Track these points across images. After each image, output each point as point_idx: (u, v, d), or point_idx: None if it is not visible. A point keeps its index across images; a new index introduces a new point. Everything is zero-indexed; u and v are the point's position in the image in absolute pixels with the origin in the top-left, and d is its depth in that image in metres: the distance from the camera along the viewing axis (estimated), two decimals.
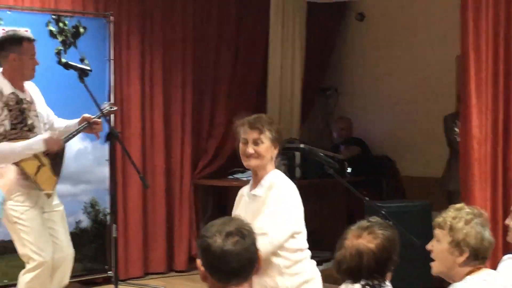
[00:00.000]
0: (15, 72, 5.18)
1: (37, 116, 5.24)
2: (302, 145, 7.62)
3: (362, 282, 3.00)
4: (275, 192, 4.05)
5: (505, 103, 5.60)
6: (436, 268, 3.37)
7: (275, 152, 4.09)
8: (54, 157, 5.24)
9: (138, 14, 7.37)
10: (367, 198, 5.22)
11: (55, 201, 5.37)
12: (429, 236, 6.64)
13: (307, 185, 7.60)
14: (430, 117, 7.79)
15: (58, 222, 5.33)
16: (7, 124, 5.06)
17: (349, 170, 7.87)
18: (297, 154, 7.72)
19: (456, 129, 6.68)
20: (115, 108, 5.62)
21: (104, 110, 5.45)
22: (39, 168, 5.17)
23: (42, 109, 5.35)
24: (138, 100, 7.38)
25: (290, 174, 7.53)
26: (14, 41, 5.18)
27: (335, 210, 8.04)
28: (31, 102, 5.24)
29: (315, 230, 7.98)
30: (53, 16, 6.74)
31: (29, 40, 5.23)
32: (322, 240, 7.94)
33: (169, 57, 7.62)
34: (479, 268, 3.24)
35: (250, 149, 4.01)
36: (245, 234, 2.64)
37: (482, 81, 5.46)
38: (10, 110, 5.09)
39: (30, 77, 5.27)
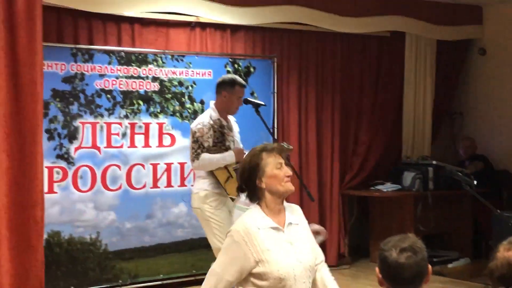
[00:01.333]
0: (223, 106, 5.59)
1: (233, 141, 5.65)
2: (435, 162, 7.77)
3: None
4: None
5: None
6: None
7: None
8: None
9: (296, 55, 7.67)
10: (498, 211, 5.19)
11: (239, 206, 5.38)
12: None
13: (438, 195, 7.76)
14: None
15: None
16: (210, 142, 5.47)
17: (474, 182, 7.50)
18: (430, 169, 7.75)
19: None
20: (291, 147, 5.47)
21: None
22: (228, 178, 5.51)
23: (237, 137, 5.76)
24: (296, 124, 7.64)
25: (424, 186, 7.73)
26: (230, 83, 5.61)
27: (462, 217, 8.03)
28: (230, 129, 5.65)
29: (444, 233, 8.09)
30: (230, 59, 7.14)
31: (241, 85, 5.64)
32: (450, 242, 8.08)
33: (321, 89, 7.87)
34: None
35: (289, 170, 3.44)
36: (417, 250, 2.65)
37: None
38: (214, 131, 5.51)
39: (233, 113, 5.68)
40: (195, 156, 5.50)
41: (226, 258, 3.37)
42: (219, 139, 5.57)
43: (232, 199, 5.51)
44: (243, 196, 3.82)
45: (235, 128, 5.80)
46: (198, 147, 5.51)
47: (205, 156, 5.47)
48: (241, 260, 3.31)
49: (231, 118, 5.78)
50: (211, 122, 5.55)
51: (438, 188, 7.76)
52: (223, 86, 5.63)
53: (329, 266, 8.02)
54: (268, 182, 3.40)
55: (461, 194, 7.57)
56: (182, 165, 6.88)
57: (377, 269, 2.71)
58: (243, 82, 5.76)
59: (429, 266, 2.70)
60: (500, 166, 8.49)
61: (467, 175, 7.67)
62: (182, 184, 6.89)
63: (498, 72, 8.59)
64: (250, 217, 3.41)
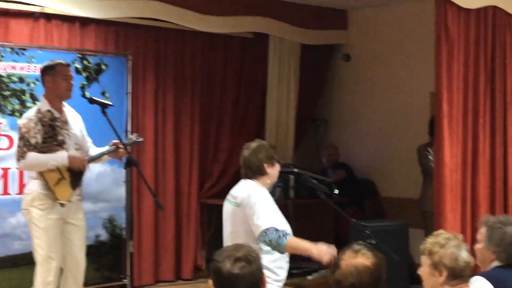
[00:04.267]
0: (52, 93, 5.21)
1: (68, 135, 5.22)
2: (296, 170, 7.49)
3: None
4: None
5: (473, 136, 5.70)
6: None
7: None
8: (75, 173, 5.23)
9: (153, 53, 7.30)
10: (353, 220, 5.12)
11: (79, 217, 5.35)
12: (407, 252, 6.51)
13: (299, 204, 7.52)
14: (406, 145, 7.73)
15: (76, 235, 5.31)
16: (39, 138, 5.09)
17: (336, 191, 7.55)
18: (291, 177, 7.51)
19: (430, 157, 6.69)
20: (141, 139, 5.57)
21: (131, 140, 5.48)
22: (59, 180, 5.17)
23: (77, 132, 5.34)
24: (152, 128, 7.28)
25: (285, 195, 7.44)
26: (49, 66, 5.24)
27: (323, 226, 7.87)
28: (65, 122, 5.24)
29: None
30: (79, 55, 6.71)
31: (62, 64, 5.27)
32: None
33: (180, 91, 7.52)
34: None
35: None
36: (251, 260, 2.65)
37: (453, 117, 5.53)
38: (43, 125, 5.11)
39: (66, 97, 5.28)
40: (21, 155, 5.16)
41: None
42: (49, 133, 5.19)
43: (62, 205, 5.19)
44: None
45: (77, 123, 5.44)
46: (24, 145, 5.16)
47: (31, 155, 5.11)
48: None
49: (72, 113, 5.43)
50: (40, 115, 5.18)
51: (299, 197, 7.52)
52: (45, 73, 5.30)
53: (185, 279, 7.70)
54: None
55: (323, 203, 7.21)
56: (21, 170, 6.24)
57: (210, 281, 2.69)
58: (63, 61, 5.42)
59: (264, 276, 2.71)
60: (363, 174, 8.47)
61: (329, 184, 7.56)
62: (21, 191, 6.22)
63: (362, 79, 8.54)
64: None
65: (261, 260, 2.74)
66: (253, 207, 4.16)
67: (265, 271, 3.96)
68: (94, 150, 5.43)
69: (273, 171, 4.41)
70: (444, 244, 3.27)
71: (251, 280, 2.63)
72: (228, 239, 4.40)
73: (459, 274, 3.24)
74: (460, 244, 3.31)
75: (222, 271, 2.62)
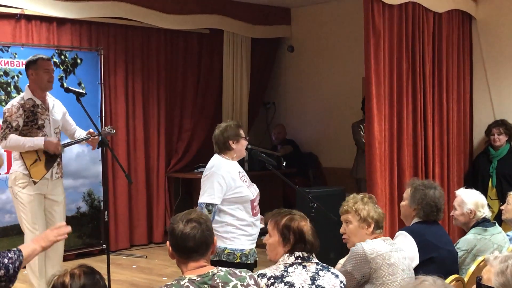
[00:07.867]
0: (35, 84, 4.99)
1: (48, 120, 5.02)
2: (249, 146, 7.52)
3: (296, 254, 2.91)
4: None
5: (398, 113, 5.67)
6: (351, 243, 3.37)
7: None
8: (50, 156, 5.02)
9: (122, 48, 7.13)
10: (297, 187, 5.12)
11: (58, 193, 5.11)
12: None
13: (252, 176, 7.37)
14: (343, 122, 7.65)
15: (55, 208, 5.12)
16: (20, 121, 4.89)
17: (284, 164, 7.60)
18: (246, 152, 7.51)
19: (362, 132, 6.64)
20: (113, 131, 5.30)
21: (104, 131, 5.18)
22: (35, 161, 4.98)
23: (58, 117, 5.12)
24: (123, 113, 7.14)
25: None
26: (32, 61, 5.02)
27: (273, 193, 7.76)
28: (46, 109, 5.03)
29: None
30: (56, 51, 6.53)
31: (43, 59, 5.05)
32: (264, 215, 7.96)
33: (147, 80, 7.36)
34: (378, 236, 3.35)
35: None
36: (201, 221, 2.61)
37: (381, 97, 5.49)
38: (24, 111, 4.91)
39: (47, 87, 5.04)
40: (3, 136, 4.94)
41: None
42: (30, 118, 4.96)
43: (34, 182, 4.95)
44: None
45: (57, 109, 5.17)
46: (6, 127, 4.94)
47: (12, 137, 4.90)
48: None
49: (53, 101, 5.19)
50: (22, 102, 4.95)
51: (253, 169, 7.39)
52: (28, 67, 5.04)
53: (156, 243, 7.58)
54: None
55: (273, 175, 7.15)
56: (8, 152, 5.85)
57: (167, 242, 2.64)
58: (44, 56, 5.15)
59: (214, 237, 2.66)
60: (306, 149, 8.36)
61: (278, 157, 7.54)
62: (8, 171, 5.80)
63: (305, 67, 8.41)
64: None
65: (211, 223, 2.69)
66: (203, 178, 4.23)
67: (238, 230, 4.23)
68: (78, 132, 5.22)
69: (239, 146, 4.44)
70: (366, 202, 3.37)
71: (201, 238, 2.60)
72: None
73: (381, 224, 3.35)
74: (374, 201, 3.43)
75: (176, 231, 2.60)
